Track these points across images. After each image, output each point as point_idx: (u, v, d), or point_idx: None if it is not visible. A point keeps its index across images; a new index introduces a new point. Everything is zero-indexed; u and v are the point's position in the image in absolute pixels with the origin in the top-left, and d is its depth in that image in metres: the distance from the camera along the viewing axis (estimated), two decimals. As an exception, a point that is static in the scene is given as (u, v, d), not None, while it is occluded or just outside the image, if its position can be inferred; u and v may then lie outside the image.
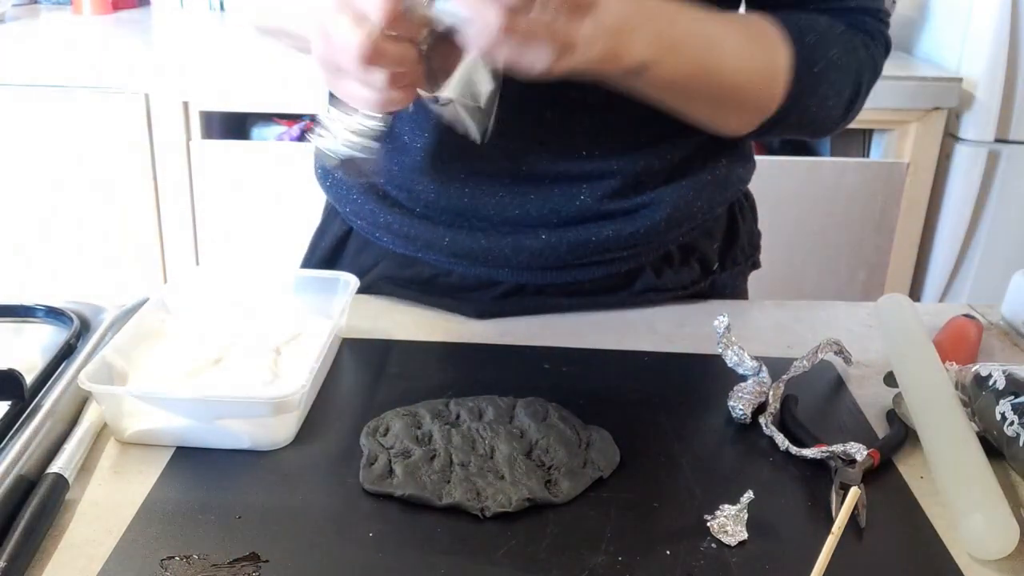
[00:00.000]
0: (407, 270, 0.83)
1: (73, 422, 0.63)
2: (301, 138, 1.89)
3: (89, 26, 2.10)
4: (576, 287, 0.79)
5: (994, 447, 0.63)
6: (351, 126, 0.60)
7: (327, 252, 0.89)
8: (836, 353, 0.74)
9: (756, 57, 0.68)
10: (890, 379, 0.72)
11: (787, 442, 0.64)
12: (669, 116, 0.68)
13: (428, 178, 0.77)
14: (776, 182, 1.86)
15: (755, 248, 0.86)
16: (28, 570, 0.52)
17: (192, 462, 0.62)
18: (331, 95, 0.63)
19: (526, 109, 0.69)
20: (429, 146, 0.75)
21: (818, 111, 0.72)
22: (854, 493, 0.55)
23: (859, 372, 0.75)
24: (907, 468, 0.63)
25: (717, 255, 0.82)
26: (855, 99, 0.74)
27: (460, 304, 0.81)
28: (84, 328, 0.74)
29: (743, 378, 0.71)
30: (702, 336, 0.79)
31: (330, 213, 0.91)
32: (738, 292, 0.87)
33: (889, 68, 2.08)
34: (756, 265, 0.87)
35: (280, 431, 0.63)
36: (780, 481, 0.61)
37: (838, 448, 0.62)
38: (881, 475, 0.62)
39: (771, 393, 0.69)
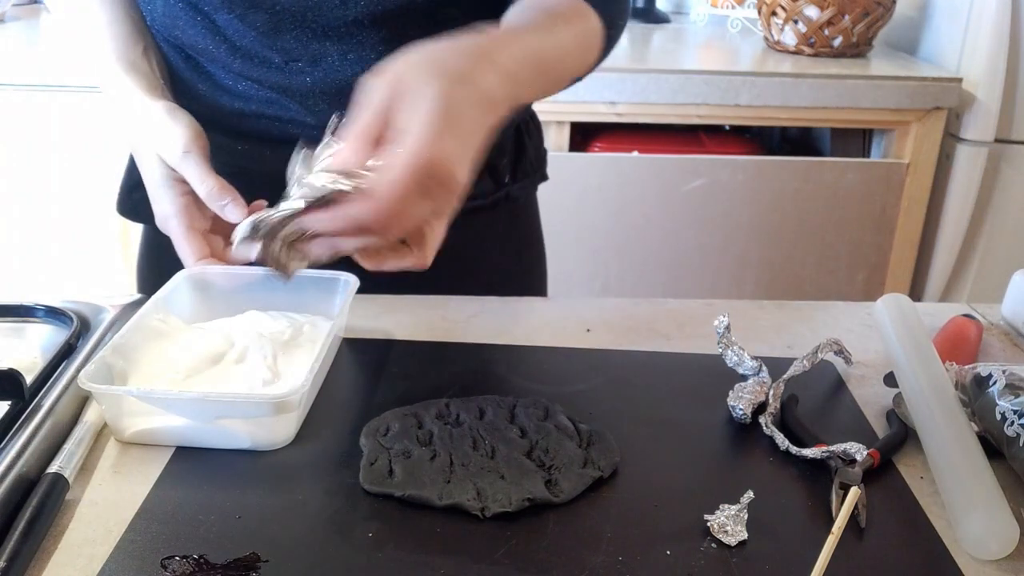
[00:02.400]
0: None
1: (73, 422, 0.64)
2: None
3: (89, 26, 2.09)
4: None
5: (994, 447, 0.63)
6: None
7: None
8: (836, 353, 0.74)
9: (586, 55, 0.76)
10: (890, 379, 0.72)
11: (787, 442, 0.64)
12: None
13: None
14: (776, 182, 1.86)
15: (542, 162, 0.97)
16: (28, 570, 0.52)
17: (192, 462, 0.62)
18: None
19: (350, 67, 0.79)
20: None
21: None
22: (854, 493, 0.55)
23: (859, 372, 0.75)
24: (907, 468, 0.63)
25: (508, 169, 0.91)
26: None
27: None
28: (84, 328, 0.74)
29: (743, 378, 0.71)
30: (702, 336, 0.79)
31: None
32: (530, 201, 0.98)
33: (889, 68, 2.06)
34: (544, 177, 0.98)
35: (280, 431, 0.63)
36: (780, 481, 0.61)
37: (838, 448, 0.62)
38: (881, 475, 0.62)
39: (771, 393, 0.69)
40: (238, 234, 0.63)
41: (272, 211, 0.60)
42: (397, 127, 0.55)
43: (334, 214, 0.57)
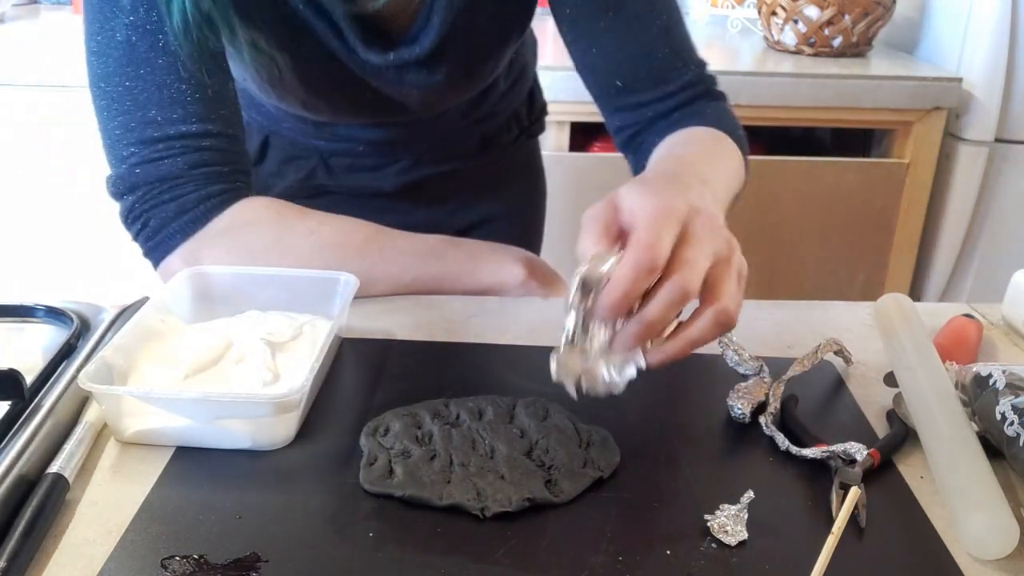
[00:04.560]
0: (330, 160, 1.10)
1: (73, 422, 0.64)
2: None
3: (89, 26, 2.09)
4: (450, 155, 1.14)
5: (994, 447, 0.63)
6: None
7: (253, 155, 1.10)
8: (836, 353, 0.74)
9: (740, 172, 0.97)
10: (890, 379, 0.72)
11: (787, 442, 0.64)
12: (495, 126, 1.15)
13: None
14: (776, 182, 1.86)
15: (543, 102, 1.26)
16: (28, 570, 0.52)
17: (192, 462, 0.62)
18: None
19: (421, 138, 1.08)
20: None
21: None
22: (854, 493, 0.55)
23: (859, 372, 0.75)
24: (907, 468, 0.63)
25: (526, 113, 1.21)
26: None
27: (377, 179, 1.10)
28: (84, 328, 0.74)
29: (743, 378, 0.71)
30: (702, 336, 0.78)
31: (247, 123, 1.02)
32: (534, 145, 1.29)
33: (889, 68, 2.06)
34: (546, 112, 1.27)
35: (280, 431, 0.63)
36: (780, 481, 0.61)
37: (838, 448, 0.62)
38: (881, 475, 0.62)
39: (771, 393, 0.69)
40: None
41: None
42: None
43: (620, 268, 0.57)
